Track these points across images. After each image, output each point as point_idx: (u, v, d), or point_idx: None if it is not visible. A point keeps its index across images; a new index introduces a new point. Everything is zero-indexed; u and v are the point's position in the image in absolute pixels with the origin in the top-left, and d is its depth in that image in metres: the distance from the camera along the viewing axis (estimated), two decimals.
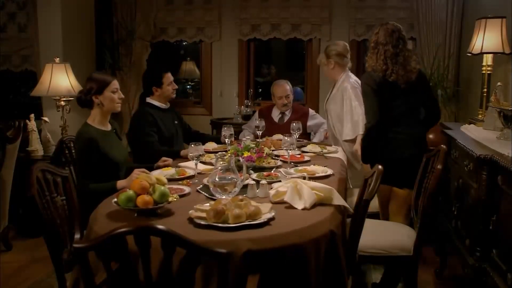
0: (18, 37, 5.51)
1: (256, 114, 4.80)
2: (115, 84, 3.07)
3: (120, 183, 2.84)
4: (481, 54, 3.69)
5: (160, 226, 1.48)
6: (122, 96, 3.12)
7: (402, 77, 3.30)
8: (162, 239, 1.50)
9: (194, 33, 6.13)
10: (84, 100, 3.03)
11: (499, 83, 3.39)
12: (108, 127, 3.13)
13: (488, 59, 3.71)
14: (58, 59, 4.51)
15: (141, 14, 5.95)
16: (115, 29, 5.98)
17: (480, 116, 3.75)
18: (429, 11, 5.24)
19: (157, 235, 1.48)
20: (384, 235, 2.90)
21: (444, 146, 2.83)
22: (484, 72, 3.76)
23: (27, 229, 4.30)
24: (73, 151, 3.15)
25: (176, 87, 3.91)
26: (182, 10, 6.07)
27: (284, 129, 4.20)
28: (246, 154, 2.98)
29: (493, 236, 2.59)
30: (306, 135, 4.56)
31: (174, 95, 3.90)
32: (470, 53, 3.74)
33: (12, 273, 3.64)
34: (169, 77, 3.84)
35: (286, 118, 4.58)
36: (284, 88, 4.53)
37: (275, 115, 4.62)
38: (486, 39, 3.58)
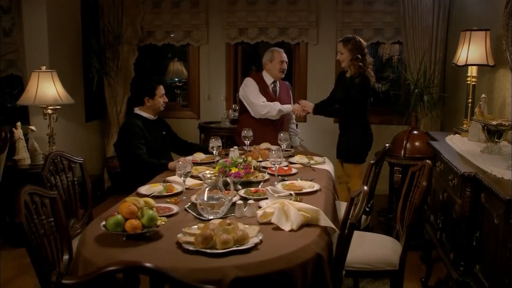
0: (3, 42, 5.43)
1: (252, 83, 4.40)
2: None
3: None
4: (466, 65, 3.72)
5: (148, 265, 1.49)
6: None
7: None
8: (151, 277, 1.52)
9: (181, 36, 6.12)
10: None
11: (483, 95, 3.44)
12: None
13: (472, 71, 3.75)
14: (44, 67, 4.47)
15: (128, 17, 5.90)
16: (101, 33, 5.94)
17: (465, 126, 3.80)
18: (415, 15, 5.28)
19: (146, 273, 1.50)
20: (369, 249, 2.92)
21: (429, 162, 2.86)
22: (469, 82, 3.80)
23: (14, 238, 4.27)
24: (61, 166, 3.13)
25: (167, 100, 4.00)
26: (169, 13, 6.05)
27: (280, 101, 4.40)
28: (234, 170, 3.00)
29: (477, 252, 2.64)
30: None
31: (163, 108, 3.99)
32: (455, 64, 3.78)
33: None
34: (161, 89, 3.94)
35: (277, 91, 4.49)
36: (284, 54, 4.42)
37: (269, 84, 4.46)
38: (470, 51, 3.62)
